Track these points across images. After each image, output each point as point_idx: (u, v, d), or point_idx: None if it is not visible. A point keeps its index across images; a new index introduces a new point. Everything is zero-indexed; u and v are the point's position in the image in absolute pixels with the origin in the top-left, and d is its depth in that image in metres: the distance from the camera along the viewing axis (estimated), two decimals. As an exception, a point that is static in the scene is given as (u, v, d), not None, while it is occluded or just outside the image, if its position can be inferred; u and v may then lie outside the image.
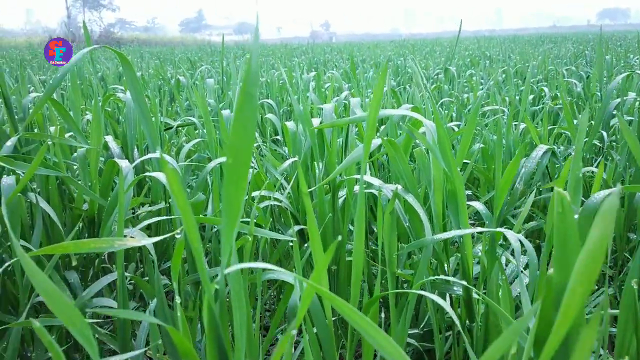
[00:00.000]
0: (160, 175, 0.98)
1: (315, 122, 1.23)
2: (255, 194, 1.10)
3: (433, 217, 0.93)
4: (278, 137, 2.33)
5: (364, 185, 0.75)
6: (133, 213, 1.44)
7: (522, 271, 0.88)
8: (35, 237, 1.07)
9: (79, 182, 1.34)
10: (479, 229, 0.90)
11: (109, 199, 1.09)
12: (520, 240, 0.85)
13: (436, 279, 0.86)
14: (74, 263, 1.06)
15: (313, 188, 1.05)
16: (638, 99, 2.16)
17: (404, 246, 1.20)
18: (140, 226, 0.90)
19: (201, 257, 0.42)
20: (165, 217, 1.02)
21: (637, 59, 6.24)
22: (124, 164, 1.07)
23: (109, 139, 1.60)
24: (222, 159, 1.08)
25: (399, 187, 0.84)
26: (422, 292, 0.70)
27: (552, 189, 1.82)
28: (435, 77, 5.50)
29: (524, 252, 0.84)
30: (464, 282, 0.81)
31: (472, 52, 8.90)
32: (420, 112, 1.50)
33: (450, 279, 0.83)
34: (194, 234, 0.41)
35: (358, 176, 1.01)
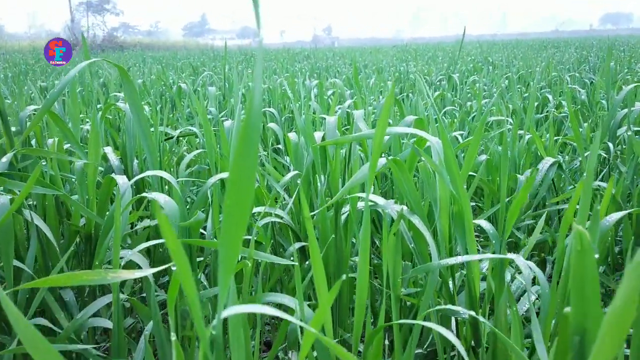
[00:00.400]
0: (160, 198, 0.95)
1: (318, 135, 1.21)
2: (256, 210, 1.08)
3: (438, 238, 0.90)
4: (280, 146, 2.31)
5: (368, 209, 0.72)
6: (132, 228, 1.42)
7: (532, 301, 0.85)
8: (30, 254, 1.04)
9: (77, 195, 1.32)
10: (488, 255, 0.87)
11: (106, 217, 1.06)
12: (530, 267, 0.82)
13: (442, 309, 0.83)
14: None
15: (315, 212, 1.02)
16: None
17: (408, 264, 1.17)
18: (138, 249, 0.88)
19: (197, 307, 0.39)
20: (163, 241, 0.99)
21: (641, 65, 6.21)
22: (121, 180, 1.05)
23: (109, 150, 1.57)
24: (222, 175, 1.05)
25: (405, 208, 0.81)
26: (427, 324, 0.68)
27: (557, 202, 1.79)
28: (438, 83, 5.48)
29: (533, 279, 0.81)
30: (472, 312, 0.78)
31: (474, 58, 8.88)
32: (425, 125, 1.48)
33: (457, 308, 0.80)
34: (191, 289, 0.38)
35: (362, 194, 0.99)
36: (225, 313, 0.42)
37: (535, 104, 3.51)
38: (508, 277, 1.17)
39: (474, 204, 2.14)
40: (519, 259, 0.84)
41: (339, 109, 2.51)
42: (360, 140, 1.07)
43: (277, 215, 1.09)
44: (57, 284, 0.54)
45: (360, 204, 1.03)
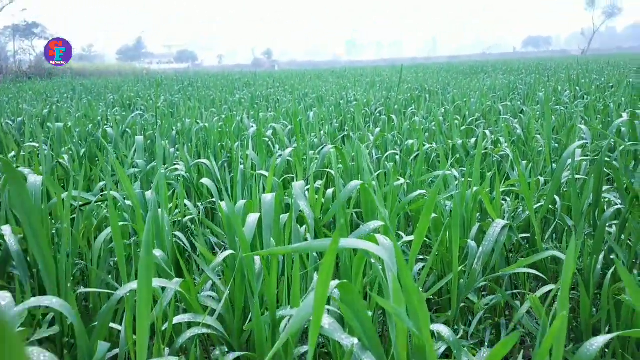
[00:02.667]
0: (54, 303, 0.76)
1: (252, 219, 1.06)
2: (178, 319, 0.91)
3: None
4: (215, 202, 2.13)
5: (314, 345, 0.58)
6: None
7: None
8: None
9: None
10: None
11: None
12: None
13: None
14: None
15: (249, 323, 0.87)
16: (588, 157, 2.15)
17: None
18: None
19: None
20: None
21: (567, 93, 6.54)
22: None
23: (7, 230, 1.35)
24: (132, 286, 0.88)
25: (355, 341, 0.68)
26: None
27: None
28: (378, 114, 5.49)
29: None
30: None
31: (411, 85, 9.08)
32: (369, 193, 1.37)
33: None
34: None
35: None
36: None
37: (473, 139, 3.54)
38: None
39: (422, 256, 2.05)
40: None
41: (280, 156, 2.38)
42: (305, 251, 0.93)
43: (205, 325, 0.93)
44: None
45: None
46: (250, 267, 0.89)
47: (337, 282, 0.70)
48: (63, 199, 1.68)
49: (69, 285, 0.94)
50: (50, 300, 0.79)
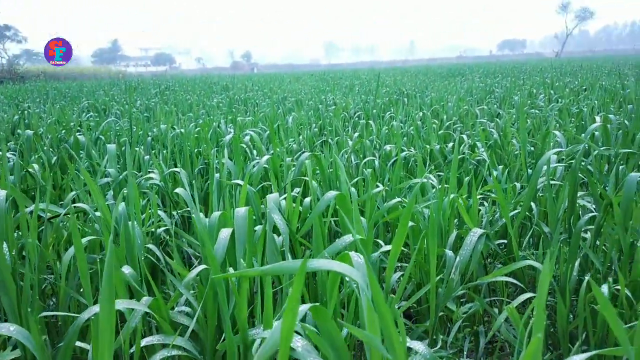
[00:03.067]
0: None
1: (225, 234, 1.03)
2: (147, 341, 0.87)
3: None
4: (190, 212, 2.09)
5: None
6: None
7: None
8: None
9: None
10: None
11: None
12: None
13: None
14: None
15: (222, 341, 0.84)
16: (563, 162, 2.18)
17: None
18: None
19: None
20: None
21: (542, 97, 6.64)
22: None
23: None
24: (95, 309, 0.84)
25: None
26: None
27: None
28: (357, 119, 5.49)
29: None
30: None
31: (389, 89, 9.12)
32: (347, 201, 1.35)
33: None
34: None
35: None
36: None
37: (450, 144, 3.56)
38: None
39: (401, 264, 2.04)
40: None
41: (257, 164, 2.34)
42: (277, 273, 0.90)
43: (176, 346, 0.90)
44: None
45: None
46: (220, 288, 0.86)
47: (308, 306, 0.68)
48: (31, 212, 1.62)
49: (29, 310, 0.90)
50: (7, 328, 0.74)
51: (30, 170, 2.39)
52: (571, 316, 1.52)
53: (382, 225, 2.14)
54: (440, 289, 1.46)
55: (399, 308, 1.41)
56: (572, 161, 2.60)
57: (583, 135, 2.98)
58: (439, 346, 1.42)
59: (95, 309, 0.84)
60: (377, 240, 1.84)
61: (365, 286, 0.64)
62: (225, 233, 1.04)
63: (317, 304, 0.67)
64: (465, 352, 1.54)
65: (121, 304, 0.84)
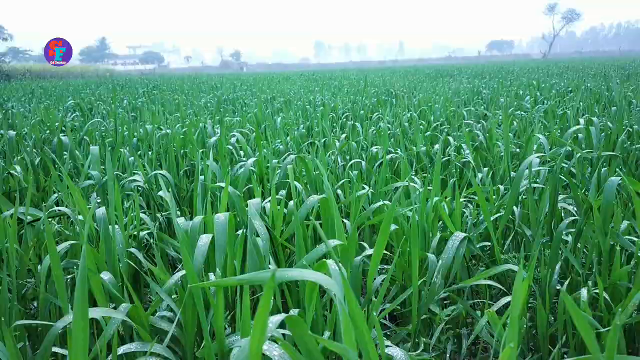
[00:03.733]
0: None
1: (204, 241, 1.03)
2: (125, 349, 0.86)
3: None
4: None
5: None
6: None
7: None
8: None
9: None
10: None
11: None
12: None
13: None
14: None
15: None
16: (546, 165, 2.20)
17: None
18: None
19: None
20: None
21: (528, 98, 6.70)
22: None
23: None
24: (68, 318, 0.83)
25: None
26: None
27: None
28: (345, 119, 5.49)
29: None
30: None
31: (378, 90, 9.14)
32: (330, 206, 1.35)
33: None
34: None
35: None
36: None
37: (437, 145, 3.58)
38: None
39: (385, 266, 2.05)
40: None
41: (242, 166, 2.33)
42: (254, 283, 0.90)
43: (153, 354, 0.89)
44: None
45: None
46: (197, 296, 0.86)
47: (283, 316, 0.68)
48: (10, 216, 1.60)
49: (2, 319, 0.89)
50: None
51: (12, 171, 2.36)
52: (552, 317, 1.54)
53: (367, 228, 2.15)
54: (423, 291, 1.47)
55: (381, 312, 1.42)
56: (555, 164, 2.63)
57: (564, 137, 3.01)
58: (421, 349, 1.42)
59: (71, 317, 0.84)
60: (362, 243, 1.84)
61: (341, 296, 0.64)
62: (204, 239, 1.04)
63: (293, 313, 0.67)
64: (448, 354, 1.55)
65: (97, 312, 0.83)
